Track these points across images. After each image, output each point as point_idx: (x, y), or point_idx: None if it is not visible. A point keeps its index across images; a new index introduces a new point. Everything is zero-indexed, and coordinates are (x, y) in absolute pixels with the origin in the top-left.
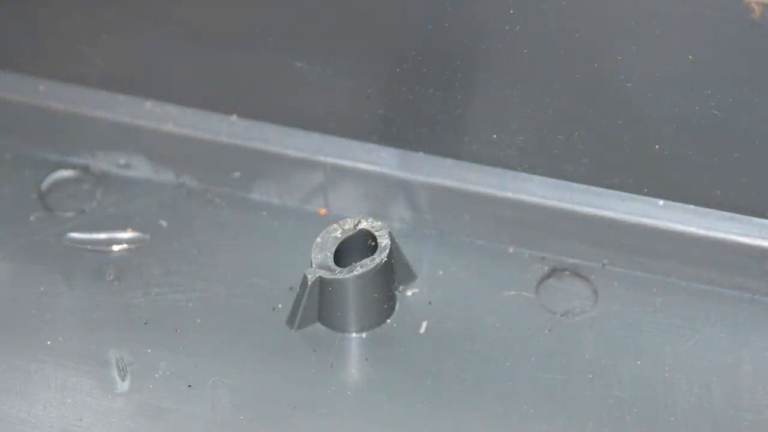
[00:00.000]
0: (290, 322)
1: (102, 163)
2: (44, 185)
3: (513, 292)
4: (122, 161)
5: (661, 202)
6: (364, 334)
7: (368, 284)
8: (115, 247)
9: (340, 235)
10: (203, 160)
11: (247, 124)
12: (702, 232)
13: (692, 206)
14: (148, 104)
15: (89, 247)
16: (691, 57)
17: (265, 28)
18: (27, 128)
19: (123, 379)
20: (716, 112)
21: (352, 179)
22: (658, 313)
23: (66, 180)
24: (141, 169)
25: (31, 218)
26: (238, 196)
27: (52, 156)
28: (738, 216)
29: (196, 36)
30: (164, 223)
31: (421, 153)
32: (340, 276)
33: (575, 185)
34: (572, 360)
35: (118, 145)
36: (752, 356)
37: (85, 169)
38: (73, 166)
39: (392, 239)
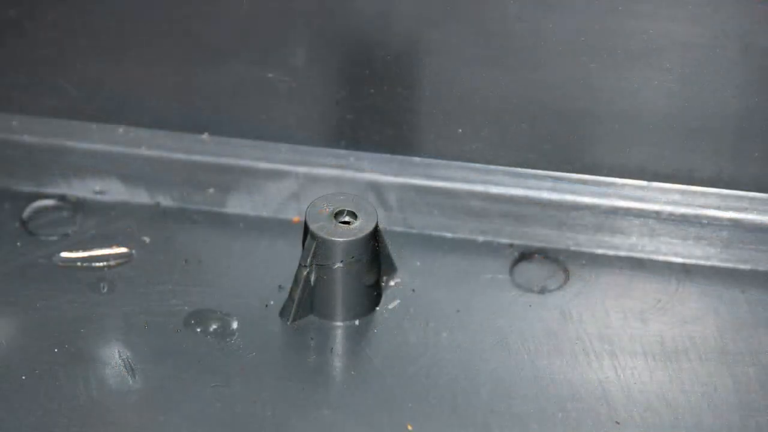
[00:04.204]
0: (285, 315)
1: (78, 190)
2: (25, 214)
3: (489, 276)
4: (98, 188)
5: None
6: (357, 322)
7: (361, 272)
8: (105, 264)
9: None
10: (177, 179)
11: (218, 141)
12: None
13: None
14: (121, 130)
15: (79, 264)
16: (651, 31)
17: (234, 42)
18: (2, 162)
19: (130, 378)
20: (673, 85)
21: (323, 185)
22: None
23: (46, 208)
24: (117, 193)
25: (18, 243)
26: (214, 212)
27: (29, 188)
28: (702, 189)
29: (165, 59)
30: (147, 239)
31: (389, 154)
32: (333, 266)
33: (539, 172)
34: (559, 333)
35: (94, 172)
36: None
37: (62, 198)
38: (51, 196)
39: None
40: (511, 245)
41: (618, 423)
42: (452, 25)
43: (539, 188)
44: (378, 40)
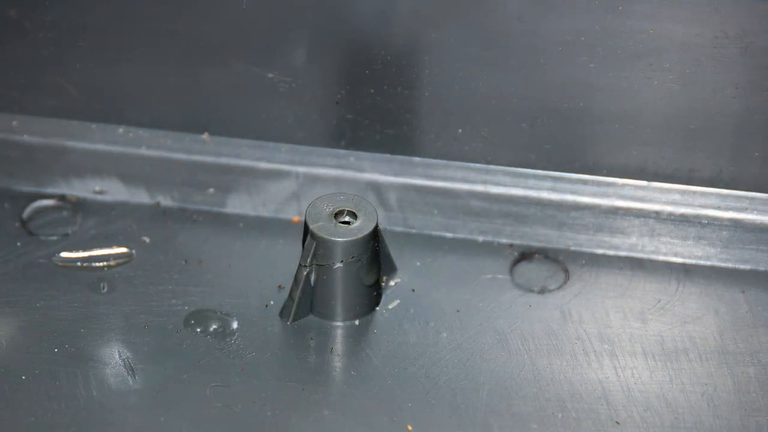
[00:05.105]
0: (285, 315)
1: (78, 190)
2: (25, 214)
3: (489, 276)
4: (98, 188)
5: (621, 181)
6: (357, 322)
7: (361, 272)
8: (104, 263)
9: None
10: (177, 179)
11: (218, 141)
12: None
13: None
14: (121, 130)
15: (79, 264)
16: (652, 31)
17: (235, 42)
18: (2, 162)
19: (130, 378)
20: (673, 85)
21: (323, 185)
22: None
23: (46, 208)
24: (117, 193)
25: (18, 243)
26: (214, 212)
27: (29, 188)
28: (702, 189)
29: (165, 59)
30: (147, 239)
31: (389, 154)
32: (333, 265)
33: (539, 172)
34: (559, 333)
35: (94, 172)
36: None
37: (62, 198)
38: (51, 196)
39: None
40: (511, 245)
41: (618, 423)
42: (452, 25)
43: (539, 188)
44: (378, 40)
